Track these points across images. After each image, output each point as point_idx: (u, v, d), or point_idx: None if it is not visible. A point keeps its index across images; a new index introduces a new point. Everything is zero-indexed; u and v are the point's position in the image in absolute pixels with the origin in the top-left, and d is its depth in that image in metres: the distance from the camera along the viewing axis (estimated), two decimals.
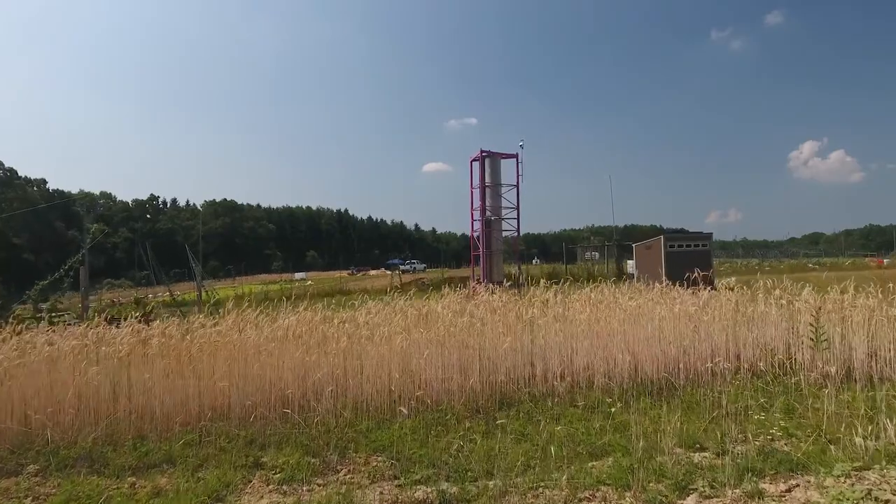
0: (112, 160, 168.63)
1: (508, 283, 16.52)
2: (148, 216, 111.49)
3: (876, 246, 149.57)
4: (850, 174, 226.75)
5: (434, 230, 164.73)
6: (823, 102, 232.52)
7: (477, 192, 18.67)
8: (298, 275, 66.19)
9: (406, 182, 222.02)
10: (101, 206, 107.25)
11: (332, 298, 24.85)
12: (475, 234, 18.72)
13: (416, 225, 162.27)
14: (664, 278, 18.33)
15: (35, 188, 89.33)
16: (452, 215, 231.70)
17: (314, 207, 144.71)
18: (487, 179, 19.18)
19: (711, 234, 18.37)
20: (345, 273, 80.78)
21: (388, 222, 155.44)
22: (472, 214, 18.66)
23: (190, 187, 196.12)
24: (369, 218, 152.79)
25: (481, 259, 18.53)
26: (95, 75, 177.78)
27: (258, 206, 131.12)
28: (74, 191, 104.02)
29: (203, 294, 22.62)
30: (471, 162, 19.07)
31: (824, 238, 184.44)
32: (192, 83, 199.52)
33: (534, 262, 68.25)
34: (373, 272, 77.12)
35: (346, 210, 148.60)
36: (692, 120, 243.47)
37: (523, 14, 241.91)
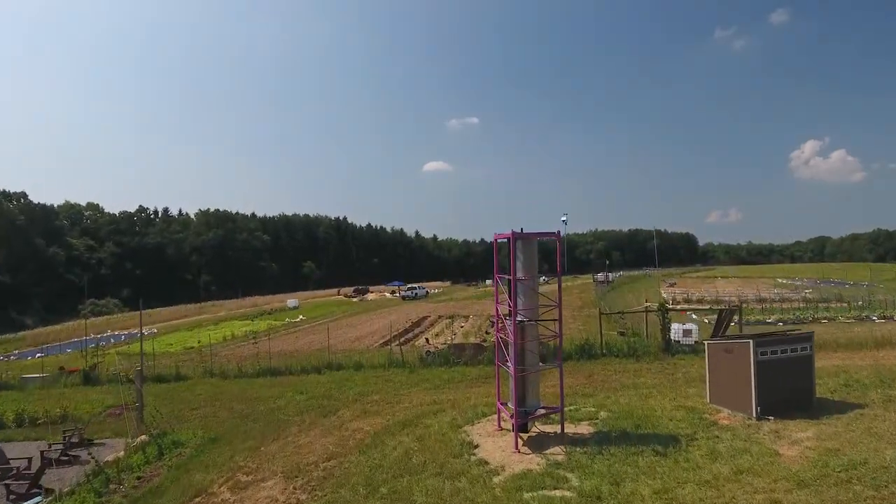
0: (105, 166, 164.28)
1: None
2: (136, 228, 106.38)
3: (884, 251, 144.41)
4: (851, 174, 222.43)
5: (435, 237, 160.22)
6: (825, 101, 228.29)
7: (504, 279, 13.29)
8: (291, 302, 61.25)
9: (406, 183, 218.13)
10: (86, 219, 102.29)
11: (318, 374, 19.47)
12: (499, 334, 13.54)
13: (417, 232, 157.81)
14: (754, 401, 13.56)
15: (14, 202, 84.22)
16: (453, 216, 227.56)
17: (311, 215, 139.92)
18: (520, 272, 13.54)
19: (812, 333, 13.14)
20: (342, 295, 75.97)
21: (388, 230, 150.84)
22: (496, 310, 13.57)
23: (184, 193, 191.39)
24: (368, 225, 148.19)
25: (511, 378, 13.21)
26: (95, 76, 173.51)
27: (252, 215, 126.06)
28: (59, 204, 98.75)
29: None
30: (495, 239, 13.77)
31: (830, 242, 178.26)
32: (191, 83, 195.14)
33: (541, 279, 63.70)
34: (371, 295, 72.31)
35: (345, 218, 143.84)
36: (692, 120, 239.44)
37: (523, 14, 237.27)
